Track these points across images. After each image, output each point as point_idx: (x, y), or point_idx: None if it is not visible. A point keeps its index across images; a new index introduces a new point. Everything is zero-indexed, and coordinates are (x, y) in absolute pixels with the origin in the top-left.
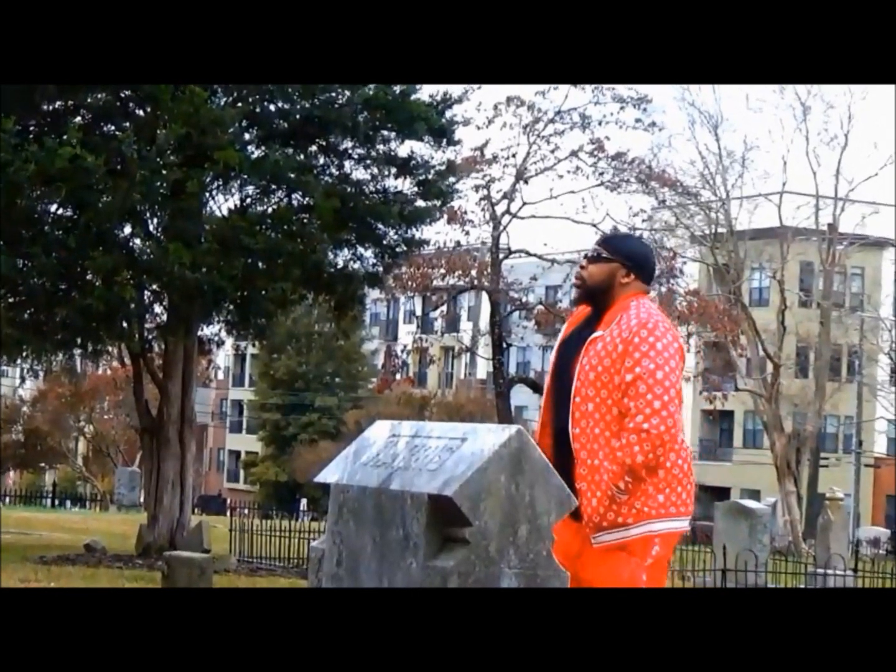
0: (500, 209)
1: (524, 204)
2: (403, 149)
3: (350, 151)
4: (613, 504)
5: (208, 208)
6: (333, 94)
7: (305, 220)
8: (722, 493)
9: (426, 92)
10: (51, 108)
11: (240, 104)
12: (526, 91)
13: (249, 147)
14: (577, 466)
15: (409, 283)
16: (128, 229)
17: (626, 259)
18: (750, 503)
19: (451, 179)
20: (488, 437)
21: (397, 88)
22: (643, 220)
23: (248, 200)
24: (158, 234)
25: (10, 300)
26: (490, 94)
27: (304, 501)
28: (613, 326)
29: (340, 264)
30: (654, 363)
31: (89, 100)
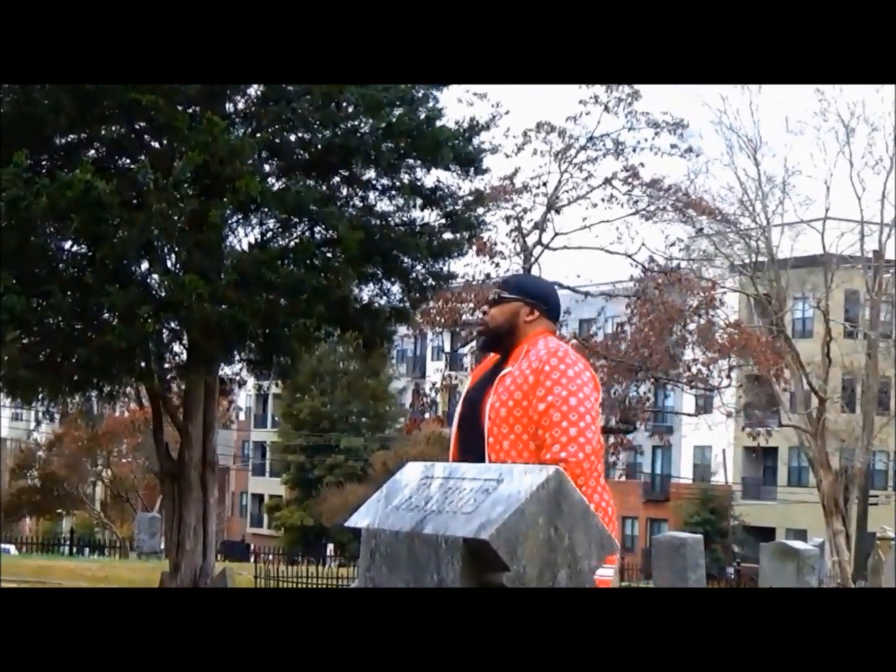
0: (531, 240)
1: (556, 234)
2: (429, 178)
3: (374, 182)
4: None
5: (228, 242)
6: (355, 122)
7: (329, 254)
8: (767, 533)
9: (451, 118)
10: (63, 141)
11: (259, 134)
12: (556, 116)
13: (270, 179)
14: None
15: (438, 318)
16: (145, 265)
17: (527, 296)
18: (797, 544)
19: (480, 210)
20: (525, 478)
21: (421, 114)
22: (680, 250)
23: (270, 234)
24: (177, 269)
25: (25, 341)
26: (519, 119)
27: (330, 546)
28: (522, 360)
29: (366, 299)
30: (566, 390)
31: (103, 132)
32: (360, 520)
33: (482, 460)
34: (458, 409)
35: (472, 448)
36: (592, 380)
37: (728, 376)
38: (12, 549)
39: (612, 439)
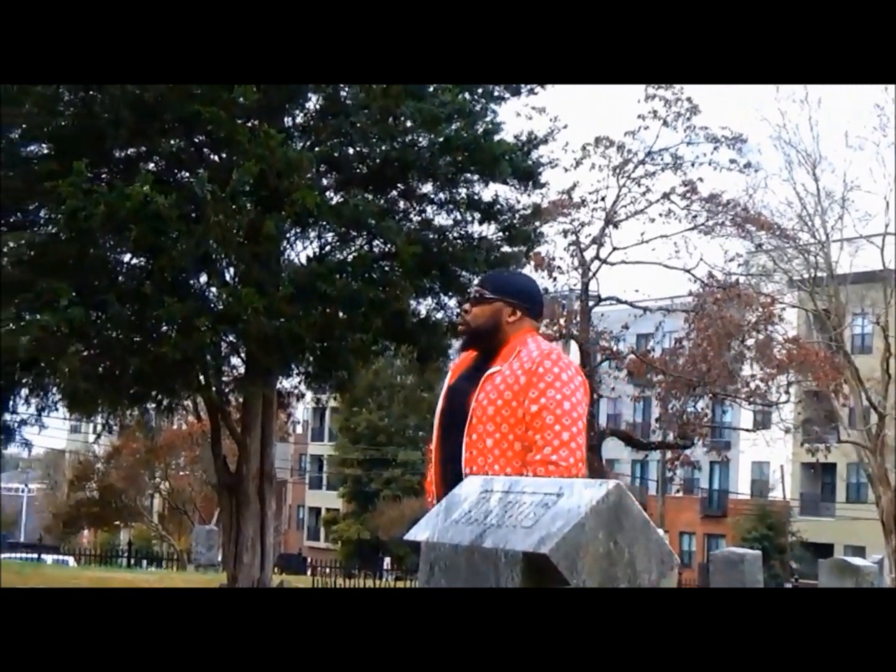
0: (589, 255)
1: (614, 249)
2: (487, 192)
3: (432, 195)
4: None
5: (287, 256)
6: (413, 136)
7: (387, 268)
8: (825, 549)
9: (510, 132)
10: (123, 154)
11: (317, 148)
12: (615, 131)
13: (328, 192)
14: None
15: None
16: (203, 277)
17: (510, 297)
18: (856, 560)
19: (538, 224)
20: (585, 492)
21: (479, 128)
22: (739, 265)
23: (328, 247)
24: (235, 282)
25: (85, 353)
26: (577, 134)
27: (387, 560)
28: (513, 360)
29: (423, 313)
30: (560, 393)
31: (163, 145)
32: (419, 533)
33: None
34: (440, 403)
35: (454, 444)
36: (583, 385)
37: (787, 392)
38: (71, 560)
39: (669, 454)
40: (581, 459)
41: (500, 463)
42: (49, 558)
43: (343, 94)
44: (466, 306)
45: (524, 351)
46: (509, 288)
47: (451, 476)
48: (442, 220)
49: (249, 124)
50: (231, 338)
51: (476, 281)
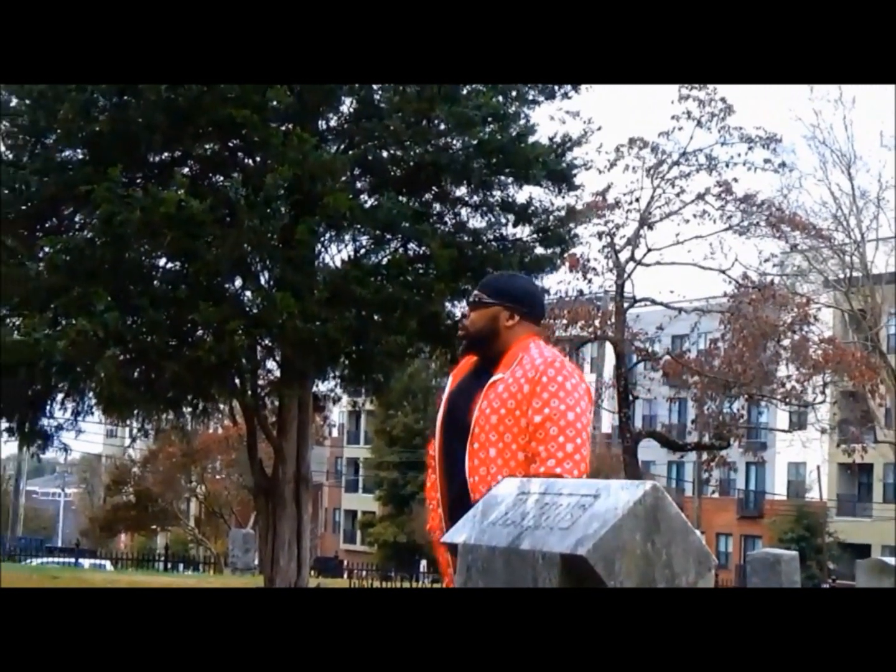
0: (623, 256)
1: (649, 250)
2: (521, 195)
3: (466, 198)
4: None
5: (321, 259)
6: (447, 139)
7: (421, 270)
8: (862, 550)
9: (543, 134)
10: (157, 158)
11: (351, 151)
12: (649, 132)
13: (362, 195)
14: None
15: None
16: (238, 282)
17: (507, 300)
18: (893, 560)
19: (572, 226)
20: (622, 494)
21: (513, 131)
22: (774, 266)
23: (362, 251)
24: (270, 285)
25: (120, 357)
26: (611, 135)
27: (423, 562)
28: (515, 367)
29: (458, 315)
30: (564, 404)
31: (197, 149)
32: (456, 535)
33: (465, 464)
34: (441, 409)
35: (455, 451)
36: (587, 393)
37: (822, 392)
38: (108, 564)
39: (705, 456)
40: (585, 471)
41: (504, 473)
42: (86, 563)
43: (377, 97)
44: (466, 310)
45: (526, 357)
46: (506, 291)
47: (454, 483)
48: (476, 222)
49: (283, 128)
50: (266, 341)
51: (478, 284)
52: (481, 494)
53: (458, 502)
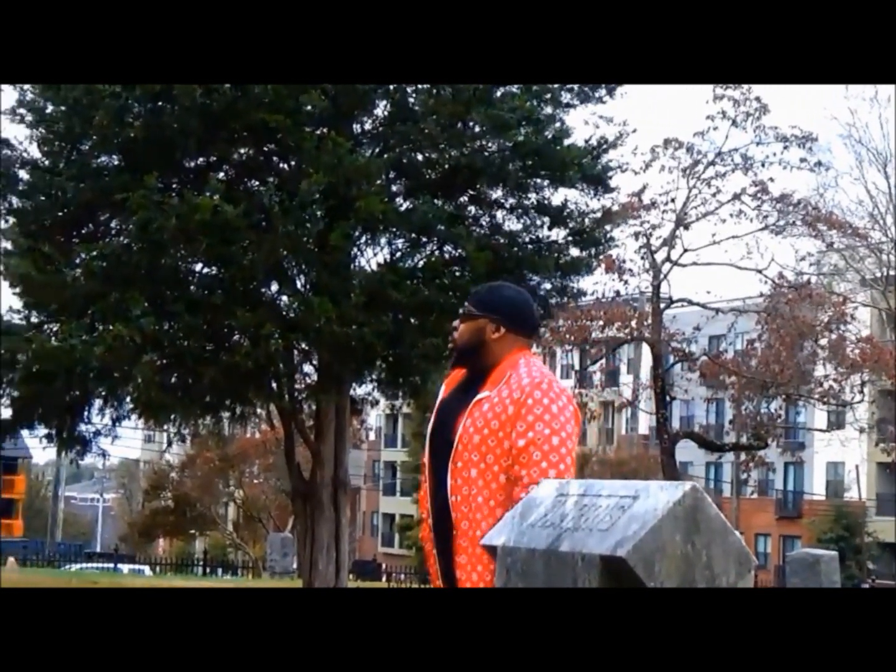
0: (659, 257)
1: (685, 251)
2: (557, 197)
3: (502, 201)
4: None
5: (357, 263)
6: (482, 142)
7: (457, 273)
8: None
9: (579, 137)
10: (193, 164)
11: (386, 154)
12: (684, 132)
13: (397, 199)
14: (457, 537)
15: (567, 335)
16: (274, 286)
17: (492, 313)
18: None
19: (608, 228)
20: (661, 495)
21: (549, 133)
22: (811, 265)
23: (398, 254)
24: (306, 291)
25: (157, 363)
26: (646, 137)
27: None
28: (502, 386)
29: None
30: (549, 428)
31: (232, 154)
32: (495, 537)
33: (447, 481)
34: (432, 419)
35: (441, 464)
36: (575, 415)
37: (860, 391)
38: (147, 569)
39: (743, 456)
40: None
41: (484, 494)
42: (125, 567)
43: (411, 100)
44: (456, 322)
45: (514, 376)
46: (492, 303)
47: (437, 498)
48: (512, 224)
49: (318, 132)
50: (303, 345)
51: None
52: (462, 515)
53: (440, 517)
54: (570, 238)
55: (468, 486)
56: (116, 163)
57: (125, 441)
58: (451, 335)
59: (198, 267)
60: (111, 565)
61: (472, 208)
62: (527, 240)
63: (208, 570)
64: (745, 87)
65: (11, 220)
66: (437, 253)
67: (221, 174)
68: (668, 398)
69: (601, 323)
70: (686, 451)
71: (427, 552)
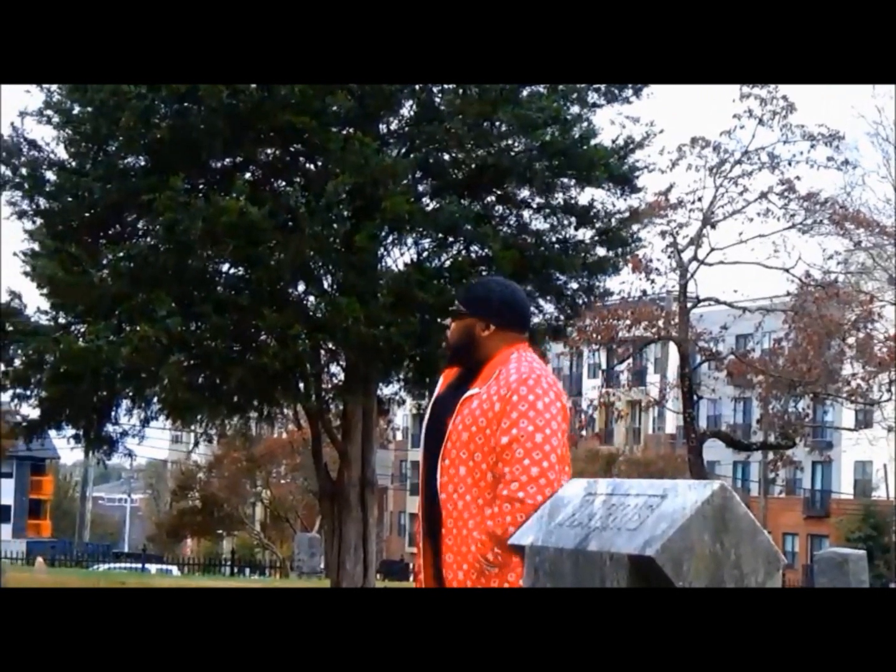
0: (686, 256)
1: (712, 249)
2: (583, 197)
3: (528, 200)
4: (482, 577)
5: (384, 263)
6: (509, 142)
7: (484, 273)
8: None
9: (606, 137)
10: (219, 164)
11: (412, 154)
12: (710, 131)
13: (424, 199)
14: (444, 536)
15: (594, 335)
16: (301, 287)
17: (479, 310)
18: None
19: (635, 228)
20: (690, 494)
21: (575, 133)
22: (838, 263)
23: (425, 254)
24: (333, 291)
25: (184, 363)
26: (673, 135)
27: None
28: (491, 383)
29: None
30: (532, 424)
31: (259, 155)
32: (523, 537)
33: (436, 478)
34: (426, 416)
35: (435, 462)
36: (562, 410)
37: (888, 390)
38: (175, 569)
39: (770, 455)
40: (553, 494)
41: (473, 493)
42: (153, 568)
43: (437, 100)
44: (448, 321)
45: (503, 372)
46: (479, 300)
47: (428, 493)
48: (538, 224)
49: (344, 132)
50: (330, 346)
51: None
52: (448, 513)
53: (430, 514)
54: (596, 238)
55: (454, 484)
56: (143, 164)
57: (152, 441)
58: (446, 335)
59: (224, 267)
60: (139, 565)
61: (498, 208)
62: (553, 239)
63: (236, 569)
64: (772, 85)
65: (39, 221)
66: (463, 253)
67: (248, 175)
68: (695, 397)
69: (628, 322)
70: (713, 450)
71: (417, 548)
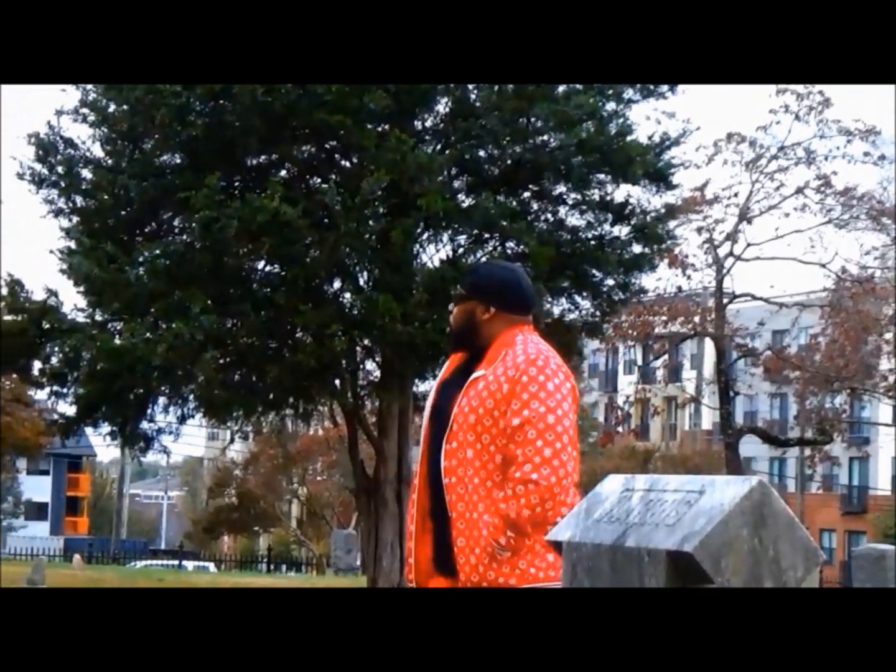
0: (722, 251)
1: (748, 245)
2: (619, 193)
3: (564, 196)
4: (494, 562)
5: (419, 260)
6: (545, 138)
7: None
8: None
9: (642, 133)
10: (255, 162)
11: (448, 150)
12: (746, 127)
13: (459, 195)
14: (454, 520)
15: (630, 331)
16: (337, 284)
17: (480, 294)
18: None
19: (671, 223)
20: (728, 490)
21: (612, 129)
22: (875, 259)
23: (461, 251)
24: (369, 288)
25: (221, 361)
26: (709, 131)
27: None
28: (498, 364)
29: (557, 314)
30: (544, 405)
31: (294, 153)
32: (560, 533)
33: (440, 461)
34: (430, 400)
35: (438, 446)
36: (572, 391)
37: None
38: (211, 566)
39: (808, 451)
40: (566, 476)
41: (481, 475)
42: (190, 565)
43: (472, 96)
44: (451, 306)
45: (510, 354)
46: (480, 283)
47: (430, 478)
48: (574, 220)
49: (380, 129)
50: (366, 342)
51: None
52: (458, 497)
53: (434, 498)
54: (632, 234)
55: (463, 467)
56: (179, 161)
57: (189, 439)
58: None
59: (260, 265)
60: (176, 562)
61: (534, 204)
62: (589, 236)
63: (272, 566)
64: None
65: (75, 219)
66: (499, 249)
67: (283, 172)
68: (731, 393)
69: (664, 318)
70: (750, 446)
71: (408, 534)
